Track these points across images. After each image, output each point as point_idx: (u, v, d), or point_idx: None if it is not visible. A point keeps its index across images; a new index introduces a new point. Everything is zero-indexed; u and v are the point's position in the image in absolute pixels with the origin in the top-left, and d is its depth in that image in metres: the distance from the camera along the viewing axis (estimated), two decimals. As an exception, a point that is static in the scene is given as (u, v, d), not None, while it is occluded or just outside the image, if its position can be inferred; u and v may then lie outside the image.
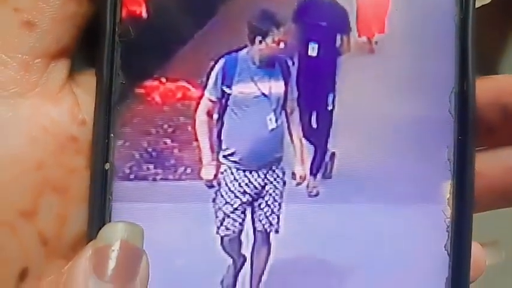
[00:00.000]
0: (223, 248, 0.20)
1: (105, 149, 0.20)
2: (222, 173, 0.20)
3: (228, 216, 0.20)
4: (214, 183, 0.20)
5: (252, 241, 0.21)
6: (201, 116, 0.20)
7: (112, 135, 0.20)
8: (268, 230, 0.21)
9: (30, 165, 0.19)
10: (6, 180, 0.19)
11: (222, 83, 0.20)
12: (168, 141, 0.20)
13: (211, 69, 0.20)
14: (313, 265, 0.21)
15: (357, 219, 0.21)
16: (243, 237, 0.21)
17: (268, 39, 0.20)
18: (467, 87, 0.20)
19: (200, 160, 0.20)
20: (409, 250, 0.21)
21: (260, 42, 0.20)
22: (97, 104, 0.20)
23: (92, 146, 0.20)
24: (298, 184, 0.21)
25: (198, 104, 0.20)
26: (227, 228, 0.20)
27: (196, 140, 0.20)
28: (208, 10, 0.20)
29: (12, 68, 0.19)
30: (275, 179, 0.21)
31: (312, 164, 0.21)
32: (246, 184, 0.21)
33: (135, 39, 0.20)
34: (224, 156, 0.20)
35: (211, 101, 0.20)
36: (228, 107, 0.20)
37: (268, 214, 0.21)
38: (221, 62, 0.20)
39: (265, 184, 0.21)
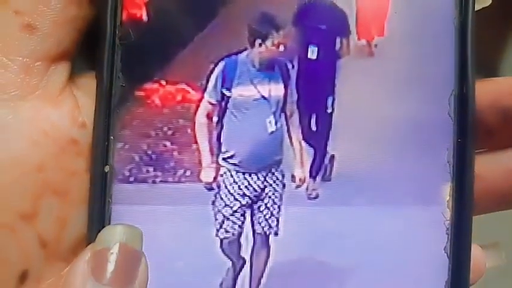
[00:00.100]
0: (223, 251, 0.20)
1: (105, 151, 0.20)
2: (221, 175, 0.20)
3: (228, 219, 0.21)
4: (214, 185, 0.20)
5: (252, 244, 0.21)
6: (200, 119, 0.20)
7: (112, 137, 0.20)
8: (267, 232, 0.21)
9: (31, 168, 0.19)
10: (6, 182, 0.19)
11: (222, 86, 0.20)
12: (168, 143, 0.20)
13: (211, 72, 0.20)
14: (313, 267, 0.20)
15: (357, 221, 0.21)
16: (242, 239, 0.21)
17: (268, 42, 0.20)
18: (466, 89, 0.20)
19: (200, 162, 0.20)
20: (409, 252, 0.21)
21: (260, 45, 0.20)
22: (97, 107, 0.20)
23: (92, 149, 0.20)
24: (298, 187, 0.21)
25: (197, 106, 0.20)
26: (226, 231, 0.20)
27: (196, 142, 0.20)
28: (208, 13, 0.20)
29: (13, 70, 0.19)
30: (274, 182, 0.21)
31: (311, 166, 0.21)
32: (246, 187, 0.21)
33: (135, 42, 0.20)
34: (224, 159, 0.20)
35: (211, 103, 0.20)
36: (227, 110, 0.20)
37: (267, 217, 0.21)
38: (221, 64, 0.20)
39: (265, 187, 0.21)
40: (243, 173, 0.21)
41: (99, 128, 0.20)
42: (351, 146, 0.21)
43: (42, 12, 0.19)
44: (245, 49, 0.20)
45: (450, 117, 0.21)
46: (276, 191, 0.21)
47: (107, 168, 0.20)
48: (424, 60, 0.21)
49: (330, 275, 0.21)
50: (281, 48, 0.20)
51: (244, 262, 0.21)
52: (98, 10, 0.20)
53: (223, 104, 0.20)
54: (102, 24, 0.20)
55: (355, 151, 0.21)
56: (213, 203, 0.20)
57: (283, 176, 0.21)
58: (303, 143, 0.21)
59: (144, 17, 0.20)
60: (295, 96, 0.21)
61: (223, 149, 0.20)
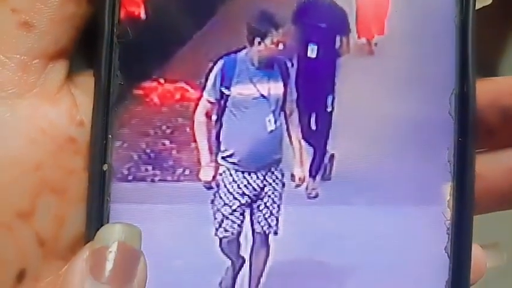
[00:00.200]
0: (222, 250, 0.20)
1: (103, 150, 0.20)
2: (220, 174, 0.20)
3: (227, 218, 0.20)
4: (213, 184, 0.20)
5: (251, 243, 0.21)
6: (199, 117, 0.20)
7: (110, 136, 0.20)
8: (267, 231, 0.21)
9: (28, 166, 0.19)
10: (3, 181, 0.19)
11: (221, 84, 0.20)
12: (167, 142, 0.20)
13: (210, 70, 0.20)
14: (312, 267, 0.20)
15: (357, 221, 0.21)
16: (241, 239, 0.21)
17: (267, 41, 0.20)
18: (467, 88, 0.20)
19: (199, 161, 0.20)
20: (409, 252, 0.21)
21: (259, 43, 0.20)
22: (95, 105, 0.20)
23: (90, 147, 0.20)
24: (298, 186, 0.21)
25: (196, 105, 0.20)
26: (226, 230, 0.20)
27: (195, 141, 0.20)
28: (207, 11, 0.20)
29: (10, 68, 0.19)
30: (274, 181, 0.21)
31: (311, 165, 0.21)
32: (245, 186, 0.21)
33: (133, 40, 0.20)
34: (223, 158, 0.20)
35: (209, 102, 0.20)
36: (226, 108, 0.20)
37: (267, 216, 0.21)
38: (220, 63, 0.20)
39: (264, 186, 0.21)
40: (242, 172, 0.20)
41: (97, 127, 0.19)
42: (351, 145, 0.21)
43: (39, 10, 0.19)
44: (244, 47, 0.20)
45: (451, 116, 0.21)
46: (276, 190, 0.21)
47: (105, 167, 0.20)
48: (424, 59, 0.21)
49: (329, 275, 0.20)
50: (280, 46, 0.20)
51: (244, 261, 0.21)
52: (95, 8, 0.20)
53: (222, 102, 0.20)
54: (100, 22, 0.19)
55: (355, 150, 0.21)
56: (212, 202, 0.20)
57: (282, 175, 0.21)
58: (303, 142, 0.21)
59: (142, 15, 0.20)
60: (295, 95, 0.21)
61: (222, 148, 0.20)
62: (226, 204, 0.20)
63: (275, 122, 0.20)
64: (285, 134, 0.21)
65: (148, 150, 0.20)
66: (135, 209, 0.20)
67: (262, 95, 0.20)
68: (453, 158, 0.21)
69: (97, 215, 0.19)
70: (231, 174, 0.20)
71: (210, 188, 0.20)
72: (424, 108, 0.21)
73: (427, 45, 0.21)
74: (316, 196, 0.21)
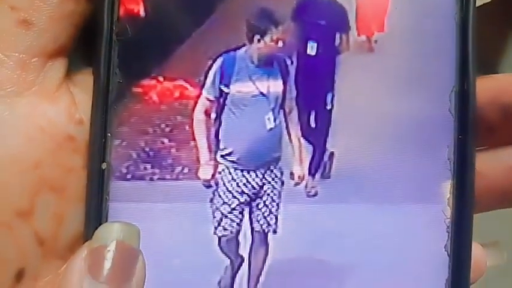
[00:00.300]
0: (221, 249, 0.20)
1: (102, 148, 0.20)
2: (219, 172, 0.20)
3: (226, 217, 0.20)
4: (212, 183, 0.20)
5: (250, 241, 0.21)
6: (198, 115, 0.20)
7: (109, 134, 0.20)
8: (266, 230, 0.21)
9: (27, 165, 0.19)
10: (2, 179, 0.19)
11: (220, 82, 0.20)
12: (166, 140, 0.20)
13: (209, 68, 0.20)
14: (312, 266, 0.20)
15: (356, 219, 0.20)
16: (240, 237, 0.20)
17: (267, 38, 0.20)
18: (467, 86, 0.20)
19: (198, 160, 0.20)
20: (409, 251, 0.21)
21: (258, 41, 0.20)
22: (94, 103, 0.20)
23: (89, 146, 0.20)
24: (297, 184, 0.21)
25: (195, 103, 0.20)
26: (225, 229, 0.20)
27: (194, 139, 0.20)
28: (206, 8, 0.20)
29: (9, 66, 0.19)
30: (273, 179, 0.20)
31: (310, 163, 0.21)
32: (244, 184, 0.21)
33: (132, 38, 0.20)
34: (222, 156, 0.20)
35: (209, 100, 0.20)
36: (226, 106, 0.20)
37: (266, 214, 0.21)
38: (219, 60, 0.20)
39: (263, 184, 0.21)
40: (242, 170, 0.20)
41: (96, 125, 0.19)
42: (351, 142, 0.20)
43: (38, 7, 0.19)
44: (243, 45, 0.20)
45: (451, 114, 0.21)
46: (275, 188, 0.20)
47: (104, 165, 0.20)
48: (424, 56, 0.20)
49: (329, 273, 0.20)
50: (280, 44, 0.20)
51: (243, 260, 0.20)
52: (94, 5, 0.19)
53: (221, 100, 0.20)
54: (99, 19, 0.19)
55: (355, 148, 0.20)
56: (211, 200, 0.20)
57: (281, 173, 0.20)
58: (302, 140, 0.21)
59: (142, 13, 0.20)
60: (294, 93, 0.20)
61: (221, 146, 0.20)
62: (225, 202, 0.20)
63: (274, 120, 0.20)
64: (285, 132, 0.20)
65: (147, 149, 0.20)
66: (133, 208, 0.20)
67: (262, 93, 0.20)
68: (453, 156, 0.20)
69: (96, 213, 0.19)
70: (230, 173, 0.20)
71: (209, 186, 0.20)
72: (424, 105, 0.21)
73: (427, 43, 0.20)
74: (315, 194, 0.21)
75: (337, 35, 0.20)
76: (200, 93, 0.20)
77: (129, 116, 0.20)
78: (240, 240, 0.20)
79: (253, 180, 0.21)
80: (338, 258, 0.20)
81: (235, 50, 0.20)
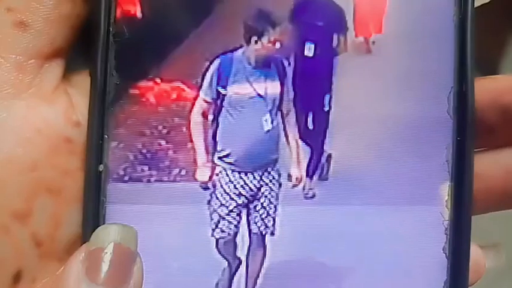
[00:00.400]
0: (219, 251, 0.20)
1: (99, 150, 0.20)
2: (217, 174, 0.20)
3: (223, 219, 0.20)
4: (209, 185, 0.20)
5: (248, 243, 0.20)
6: (196, 117, 0.20)
7: (106, 136, 0.20)
8: (263, 232, 0.20)
9: (24, 167, 0.19)
10: (0, 181, 0.18)
11: (217, 84, 0.20)
12: (163, 142, 0.20)
13: (207, 69, 0.20)
14: (310, 268, 0.20)
15: (354, 221, 0.20)
16: (238, 239, 0.20)
17: (264, 39, 0.20)
18: (466, 87, 0.20)
19: (195, 161, 0.20)
20: (407, 252, 0.21)
21: (256, 42, 0.20)
22: (91, 105, 0.19)
23: (86, 147, 0.19)
24: (294, 186, 0.20)
25: (193, 104, 0.20)
26: (222, 231, 0.20)
27: (191, 141, 0.20)
28: (203, 10, 0.20)
29: (6, 68, 0.19)
30: (271, 181, 0.20)
31: (308, 165, 0.20)
32: (242, 186, 0.20)
33: (129, 39, 0.20)
34: (219, 158, 0.20)
35: (206, 101, 0.20)
36: (223, 108, 0.20)
37: (263, 216, 0.20)
38: (216, 62, 0.20)
39: (261, 186, 0.20)
40: (239, 172, 0.20)
41: (93, 127, 0.19)
42: (348, 144, 0.20)
43: (34, 9, 0.19)
44: (241, 46, 0.20)
45: (449, 116, 0.20)
46: (272, 190, 0.20)
47: (101, 167, 0.20)
48: (422, 58, 0.20)
49: (327, 276, 0.20)
50: (277, 45, 0.20)
51: (240, 262, 0.20)
52: (91, 7, 0.19)
53: (218, 102, 0.20)
54: (96, 21, 0.19)
55: (353, 150, 0.20)
56: (209, 202, 0.20)
57: (279, 175, 0.20)
58: (300, 142, 0.21)
59: (139, 14, 0.20)
60: (292, 94, 0.20)
61: (218, 148, 0.20)
62: (223, 204, 0.20)
63: (272, 121, 0.20)
64: (282, 134, 0.20)
65: (144, 151, 0.20)
66: (131, 210, 0.20)
67: (259, 95, 0.20)
68: (452, 158, 0.20)
69: (93, 215, 0.19)
70: (227, 175, 0.20)
71: (206, 188, 0.20)
72: (422, 107, 0.20)
73: (425, 44, 0.20)
74: (313, 196, 0.20)
75: (335, 36, 0.20)
76: (197, 95, 0.20)
77: (126, 118, 0.20)
78: (237, 242, 0.20)
79: (251, 182, 0.20)
80: (336, 260, 0.20)
81: (232, 51, 0.20)
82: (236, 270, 0.20)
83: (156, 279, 0.20)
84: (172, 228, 0.20)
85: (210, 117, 0.20)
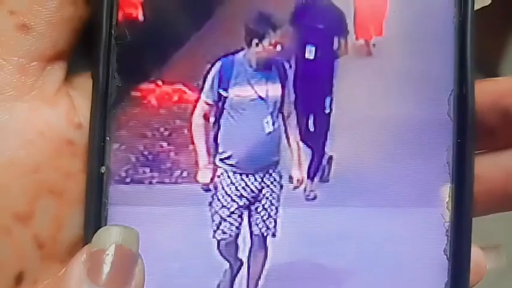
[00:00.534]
0: (220, 252, 0.20)
1: (101, 152, 0.20)
2: (218, 176, 0.20)
3: (225, 220, 0.20)
4: (211, 186, 0.20)
5: (249, 245, 0.21)
6: (197, 119, 0.20)
7: (108, 138, 0.20)
8: (265, 233, 0.20)
9: (27, 169, 0.19)
10: (2, 183, 0.19)
11: (219, 86, 0.20)
12: (165, 144, 0.20)
13: (208, 72, 0.20)
14: (311, 269, 0.20)
15: (355, 223, 0.20)
16: (239, 241, 0.20)
17: (265, 42, 0.20)
18: (466, 89, 0.20)
19: (196, 163, 0.20)
20: (408, 254, 0.21)
21: (257, 44, 0.20)
22: (93, 107, 0.20)
23: (88, 149, 0.20)
24: (296, 188, 0.21)
25: (194, 107, 0.20)
26: (224, 232, 0.20)
27: (193, 143, 0.20)
28: (204, 13, 0.20)
29: (8, 71, 0.19)
30: (272, 183, 0.20)
31: (309, 167, 0.21)
32: (243, 188, 0.21)
33: (131, 42, 0.20)
34: (221, 160, 0.20)
35: (207, 104, 0.20)
36: (224, 110, 0.20)
37: (265, 218, 0.21)
38: (218, 64, 0.20)
39: (262, 188, 0.21)
40: (240, 174, 0.20)
41: (95, 129, 0.19)
42: (349, 146, 0.20)
43: (37, 12, 0.19)
44: (242, 49, 0.20)
45: (449, 118, 0.21)
46: (274, 192, 0.20)
47: (103, 169, 0.20)
48: (423, 60, 0.20)
49: (327, 277, 0.20)
50: (278, 48, 0.20)
51: (242, 264, 0.20)
52: (93, 10, 0.19)
53: (220, 104, 0.20)
54: (98, 24, 0.19)
55: (354, 152, 0.20)
56: (210, 204, 0.20)
57: (280, 177, 0.20)
58: (301, 144, 0.21)
59: (140, 17, 0.20)
60: (293, 97, 0.20)
61: (220, 150, 0.20)
62: (224, 206, 0.20)
63: (273, 123, 0.20)
64: (283, 136, 0.20)
65: (146, 153, 0.20)
66: (132, 211, 0.20)
67: (260, 97, 0.20)
68: (452, 160, 0.20)
69: (95, 217, 0.19)
70: (228, 176, 0.20)
71: (207, 190, 0.20)
72: (423, 109, 0.20)
73: (425, 46, 0.20)
74: (314, 198, 0.20)
75: (336, 39, 0.20)
76: (199, 97, 0.20)
77: (128, 120, 0.20)
78: (239, 244, 0.20)
79: (252, 183, 0.21)
80: (337, 262, 0.20)
81: (233, 54, 0.20)
82: (237, 271, 0.20)
83: (158, 280, 0.20)
84: (174, 229, 0.20)
85: (212, 119, 0.20)
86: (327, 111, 0.20)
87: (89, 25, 0.20)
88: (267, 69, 0.20)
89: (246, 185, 0.21)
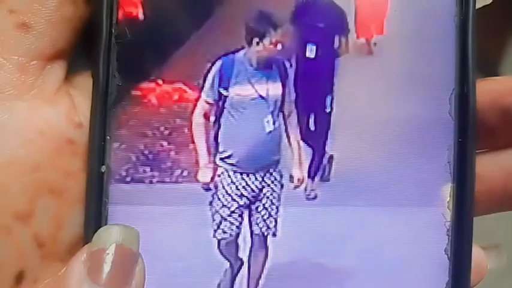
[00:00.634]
0: (220, 252, 0.20)
1: (102, 151, 0.20)
2: (219, 175, 0.20)
3: (225, 220, 0.20)
4: (211, 186, 0.20)
5: (249, 244, 0.21)
6: (198, 118, 0.20)
7: (108, 137, 0.20)
8: (265, 233, 0.20)
9: (27, 168, 0.19)
10: (2, 182, 0.19)
11: (219, 85, 0.20)
12: (165, 143, 0.20)
13: (208, 71, 0.20)
14: (311, 269, 0.20)
15: (356, 222, 0.20)
16: (240, 240, 0.20)
17: (266, 41, 0.20)
18: (467, 89, 0.20)
19: (197, 163, 0.20)
20: (409, 254, 0.21)
21: (257, 43, 0.20)
22: (93, 106, 0.20)
23: (88, 149, 0.20)
24: (296, 187, 0.20)
25: (194, 106, 0.20)
26: (224, 232, 0.20)
27: (193, 142, 0.20)
28: (204, 11, 0.20)
29: (8, 70, 0.19)
30: (272, 182, 0.20)
31: (310, 166, 0.20)
32: (243, 187, 0.20)
33: (131, 40, 0.20)
34: (221, 159, 0.20)
35: (208, 103, 0.20)
36: (225, 109, 0.20)
37: (265, 217, 0.20)
38: (218, 63, 0.20)
39: (263, 187, 0.20)
40: (241, 173, 0.20)
41: (96, 128, 0.19)
42: (350, 145, 0.20)
43: (37, 11, 0.19)
44: (242, 48, 0.20)
45: (451, 117, 0.20)
46: (274, 191, 0.20)
47: (103, 168, 0.20)
48: (424, 59, 0.20)
49: (328, 277, 0.20)
50: (279, 46, 0.20)
51: (242, 263, 0.20)
52: (93, 9, 0.19)
53: (220, 103, 0.20)
54: (98, 22, 0.19)
55: (354, 151, 0.20)
56: (211, 203, 0.20)
57: (281, 176, 0.20)
58: (301, 143, 0.21)
59: (141, 16, 0.20)
60: (293, 96, 0.20)
61: (220, 149, 0.20)
62: (225, 205, 0.20)
63: (273, 122, 0.20)
64: (284, 135, 0.20)
65: (146, 152, 0.20)
66: (133, 211, 0.20)
67: (261, 96, 0.20)
68: (453, 159, 0.20)
69: (95, 216, 0.19)
70: (229, 176, 0.20)
71: (208, 189, 0.20)
72: (424, 108, 0.20)
73: (426, 45, 0.20)
74: (315, 197, 0.20)
75: (336, 38, 0.20)
76: (199, 96, 0.20)
77: (128, 119, 0.20)
78: (239, 243, 0.20)
79: (253, 183, 0.21)
80: (337, 261, 0.20)
81: (234, 52, 0.20)
82: (238, 271, 0.20)
83: (158, 280, 0.20)
84: (174, 229, 0.20)
85: (212, 118, 0.20)
86: (328, 110, 0.20)
87: (89, 24, 0.20)
88: (267, 68, 0.20)
89: (247, 184, 0.20)
